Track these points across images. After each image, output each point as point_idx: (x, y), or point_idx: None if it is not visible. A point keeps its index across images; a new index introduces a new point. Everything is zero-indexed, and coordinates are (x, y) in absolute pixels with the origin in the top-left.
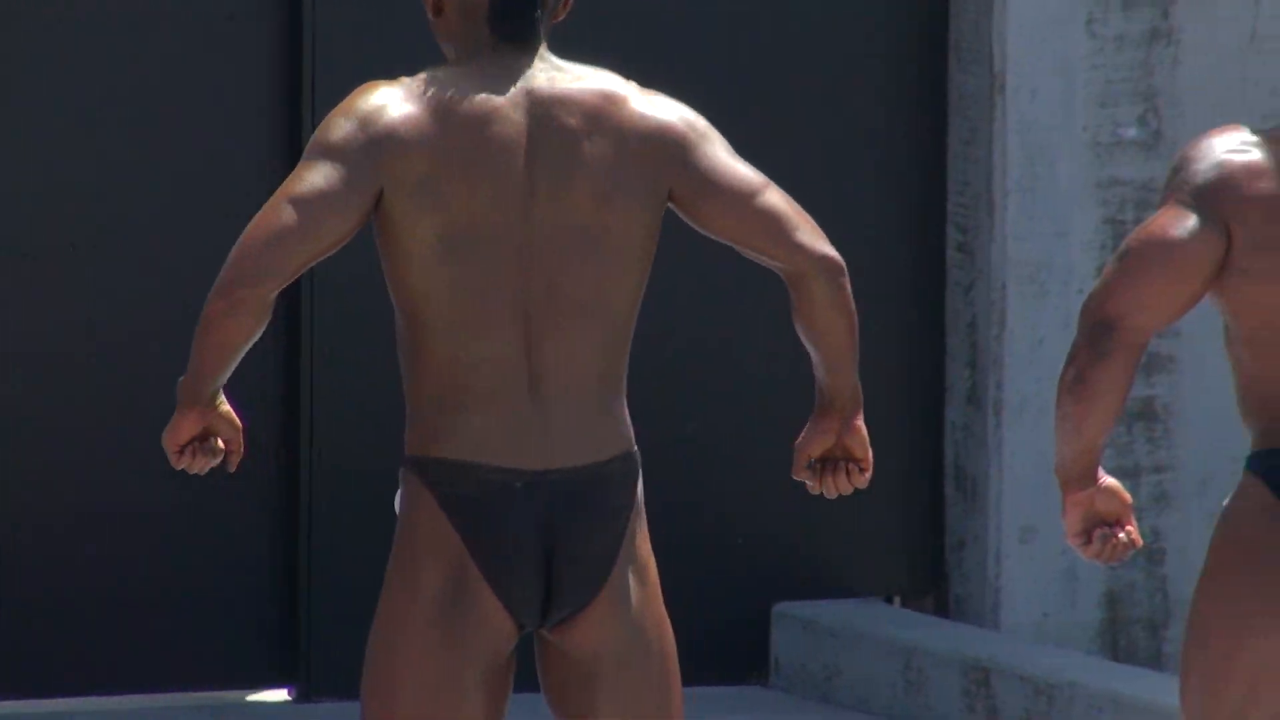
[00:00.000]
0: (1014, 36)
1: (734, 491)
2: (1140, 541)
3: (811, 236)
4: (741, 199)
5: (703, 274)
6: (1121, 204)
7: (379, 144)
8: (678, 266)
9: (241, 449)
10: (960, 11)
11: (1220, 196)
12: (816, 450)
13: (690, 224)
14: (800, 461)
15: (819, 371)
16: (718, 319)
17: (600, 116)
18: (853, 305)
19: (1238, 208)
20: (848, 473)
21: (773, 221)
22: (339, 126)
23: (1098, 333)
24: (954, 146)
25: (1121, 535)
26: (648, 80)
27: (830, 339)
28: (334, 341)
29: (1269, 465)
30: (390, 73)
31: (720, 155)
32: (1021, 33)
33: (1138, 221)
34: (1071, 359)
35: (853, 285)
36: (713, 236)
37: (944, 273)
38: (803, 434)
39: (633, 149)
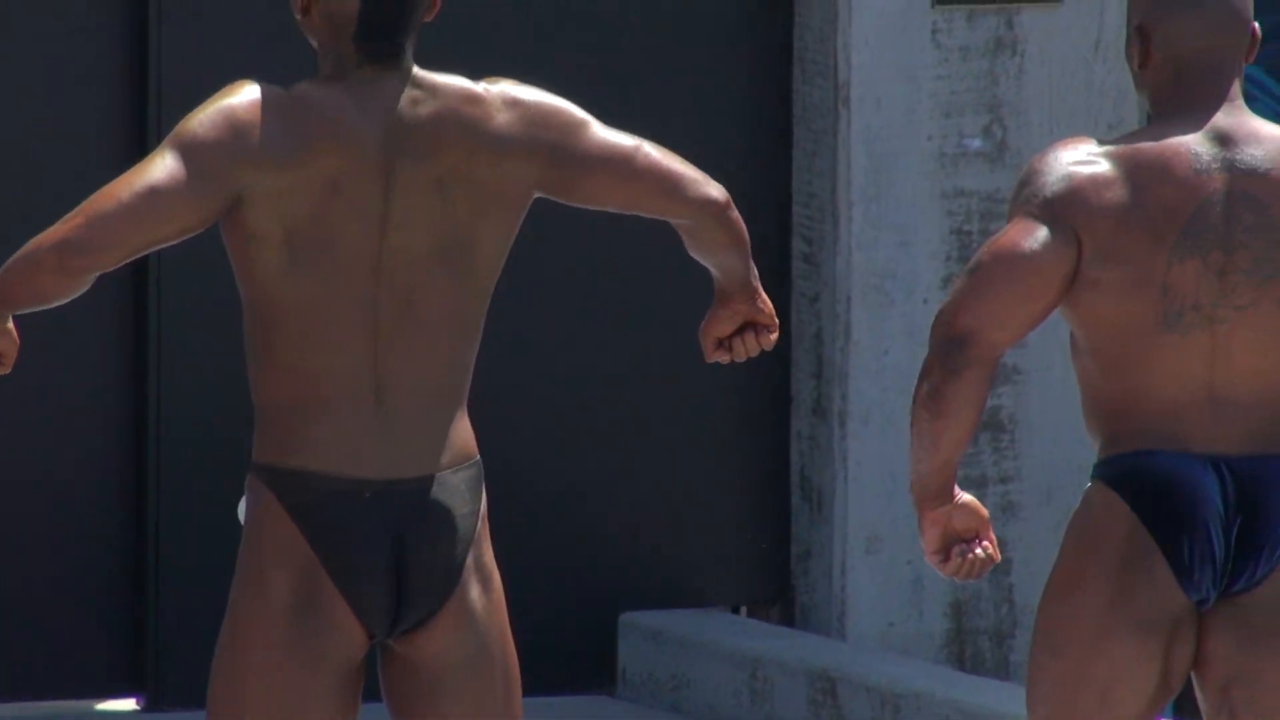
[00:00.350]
0: (859, 47)
1: (580, 500)
2: (998, 557)
3: (694, 187)
4: (620, 172)
5: (549, 285)
6: (967, 214)
7: (245, 152)
8: (524, 277)
9: (10, 365)
10: (805, 22)
11: (1069, 208)
12: (726, 331)
13: (569, 204)
14: (710, 345)
15: (714, 274)
16: (562, 329)
17: (464, 137)
18: (741, 227)
19: (1087, 219)
20: (756, 334)
21: (655, 184)
22: (211, 124)
23: (950, 348)
24: (799, 157)
25: (979, 551)
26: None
27: (724, 261)
28: (181, 345)
29: (1115, 472)
30: None
31: (587, 136)
32: (866, 43)
33: (983, 232)
34: (925, 375)
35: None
36: (598, 209)
37: (789, 283)
38: (707, 320)
39: (500, 165)
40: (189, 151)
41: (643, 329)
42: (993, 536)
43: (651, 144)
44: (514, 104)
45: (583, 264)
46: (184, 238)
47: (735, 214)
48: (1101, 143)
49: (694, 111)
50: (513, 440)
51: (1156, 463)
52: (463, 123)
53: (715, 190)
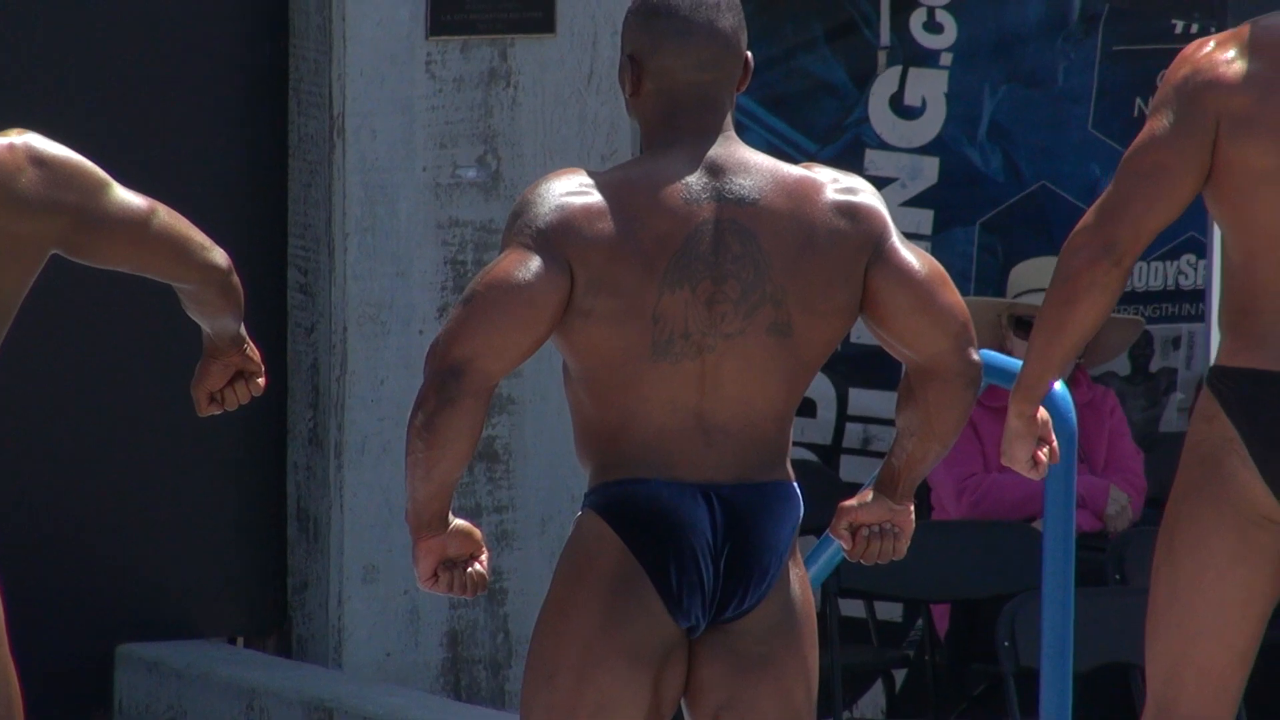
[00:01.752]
0: (354, 78)
1: (78, 531)
2: (488, 576)
3: (201, 253)
4: (135, 236)
5: (48, 315)
6: (462, 244)
7: None
8: (24, 310)
9: None
10: (300, 53)
11: (562, 239)
12: (219, 384)
13: (84, 263)
14: (203, 399)
15: (207, 330)
16: (59, 360)
17: None
18: (240, 292)
19: (580, 250)
20: (246, 382)
21: (166, 249)
22: None
23: (445, 378)
24: (294, 188)
25: (470, 569)
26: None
27: (220, 323)
28: None
29: (604, 500)
30: None
31: (108, 199)
32: (361, 74)
33: (478, 262)
34: (419, 404)
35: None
36: (109, 269)
37: (285, 314)
38: (199, 375)
39: (21, 222)
40: None
41: (139, 359)
42: (484, 558)
43: (165, 208)
44: (39, 161)
45: (82, 298)
46: None
47: (236, 279)
48: (594, 174)
49: (189, 141)
50: (9, 470)
51: (645, 491)
52: None
53: (219, 257)
